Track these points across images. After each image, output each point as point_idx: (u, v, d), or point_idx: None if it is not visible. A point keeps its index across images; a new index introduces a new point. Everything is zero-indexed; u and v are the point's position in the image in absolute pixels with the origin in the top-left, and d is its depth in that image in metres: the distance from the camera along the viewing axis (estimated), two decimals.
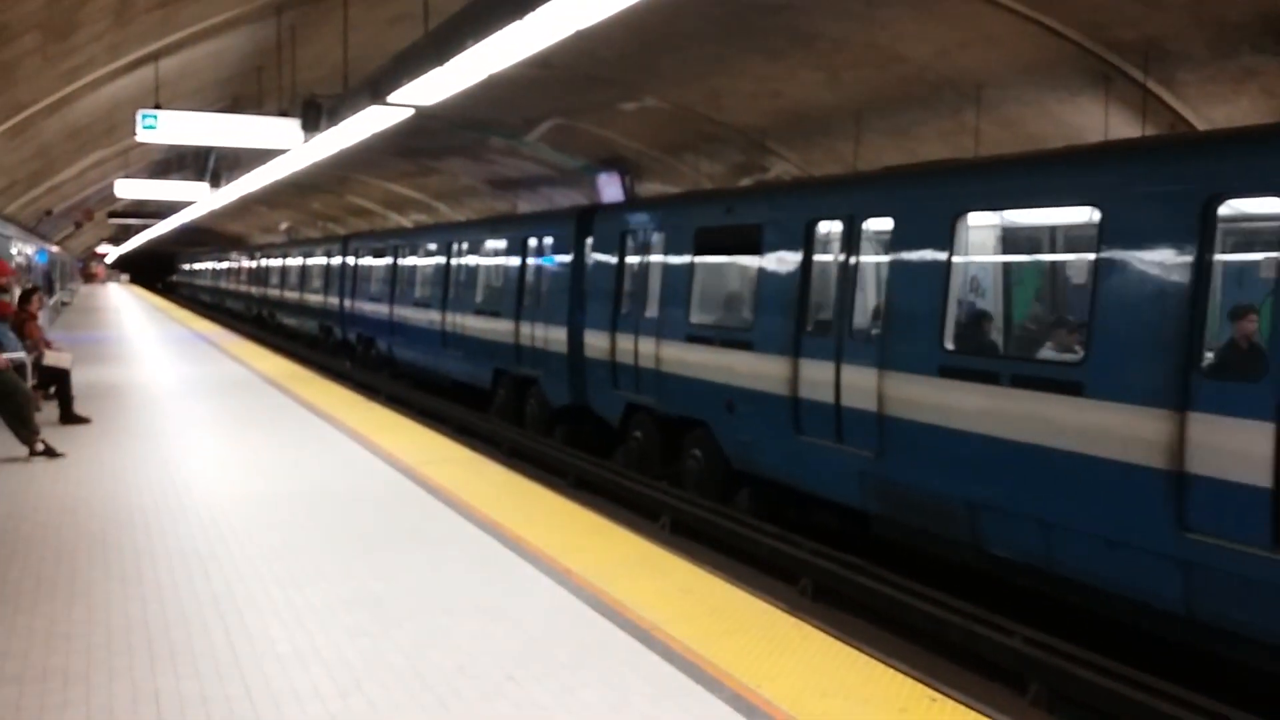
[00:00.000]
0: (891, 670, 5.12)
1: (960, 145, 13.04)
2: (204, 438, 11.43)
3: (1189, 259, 6.45)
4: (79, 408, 12.67)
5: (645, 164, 19.46)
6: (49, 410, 12.41)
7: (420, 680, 4.86)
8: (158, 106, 13.46)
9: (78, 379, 13.38)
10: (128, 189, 23.68)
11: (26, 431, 10.23)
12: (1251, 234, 7.87)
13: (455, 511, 8.15)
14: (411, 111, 10.73)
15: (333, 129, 12.22)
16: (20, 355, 12.22)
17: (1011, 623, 7.17)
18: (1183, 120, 10.62)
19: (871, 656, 5.31)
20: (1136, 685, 6.21)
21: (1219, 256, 6.85)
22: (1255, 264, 7.99)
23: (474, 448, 12.09)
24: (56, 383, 12.72)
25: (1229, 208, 6.55)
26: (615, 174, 20.18)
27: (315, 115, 12.39)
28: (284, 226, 47.74)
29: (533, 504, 8.50)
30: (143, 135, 13.09)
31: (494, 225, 19.09)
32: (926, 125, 13.60)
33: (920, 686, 4.91)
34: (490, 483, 9.31)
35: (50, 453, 10.20)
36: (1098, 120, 11.26)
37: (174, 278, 77.64)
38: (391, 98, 9.56)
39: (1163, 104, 10.64)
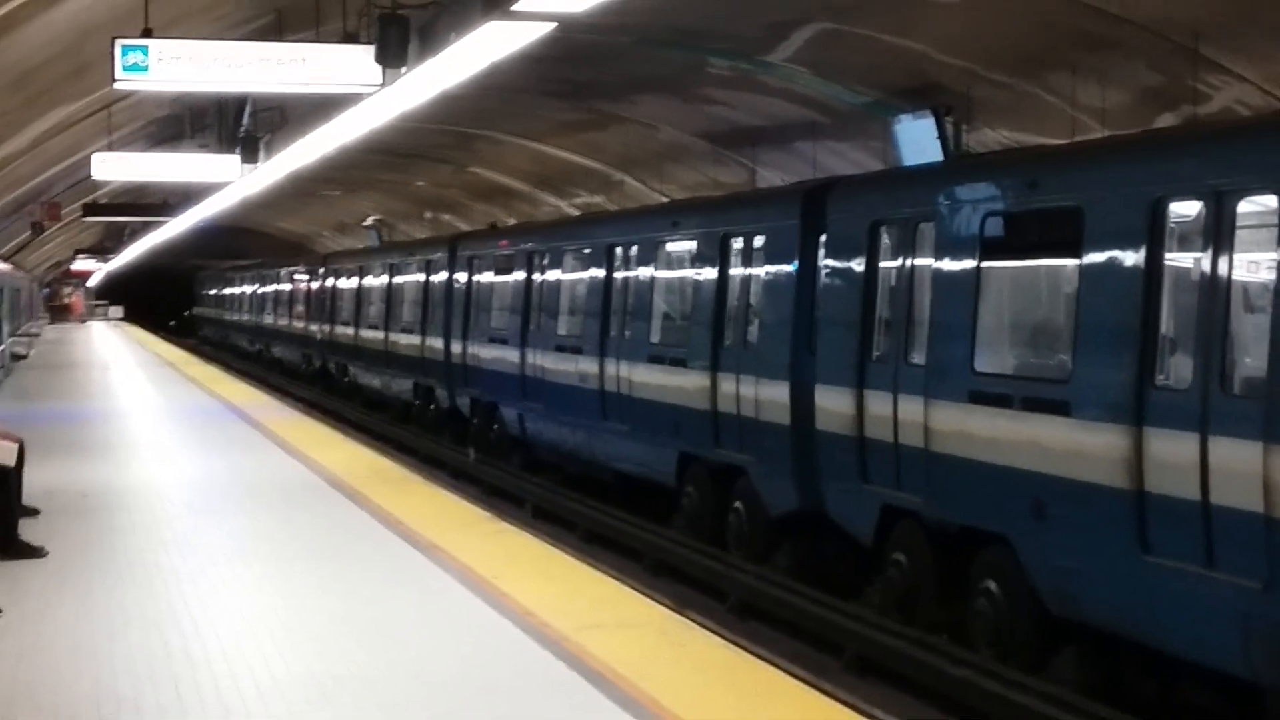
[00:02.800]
0: None
1: None
2: (228, 583, 11.86)
3: None
4: (29, 532, 13.22)
5: (981, 95, 19.33)
6: None
7: None
8: (147, 33, 13.99)
9: (28, 482, 13.97)
10: (110, 167, 24.86)
11: None
12: None
13: None
14: (551, 26, 10.98)
15: (429, 61, 12.55)
16: None
17: None
18: None
19: None
20: None
21: None
22: None
23: (678, 597, 12.15)
24: None
25: None
26: (927, 115, 20.14)
27: (399, 37, 12.81)
28: (370, 222, 49.47)
29: (788, 713, 8.45)
30: (125, 81, 13.65)
31: (675, 217, 20.26)
32: None
33: None
34: (701, 668, 9.31)
35: None
36: None
37: (195, 310, 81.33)
38: (519, 4, 9.79)
39: None
